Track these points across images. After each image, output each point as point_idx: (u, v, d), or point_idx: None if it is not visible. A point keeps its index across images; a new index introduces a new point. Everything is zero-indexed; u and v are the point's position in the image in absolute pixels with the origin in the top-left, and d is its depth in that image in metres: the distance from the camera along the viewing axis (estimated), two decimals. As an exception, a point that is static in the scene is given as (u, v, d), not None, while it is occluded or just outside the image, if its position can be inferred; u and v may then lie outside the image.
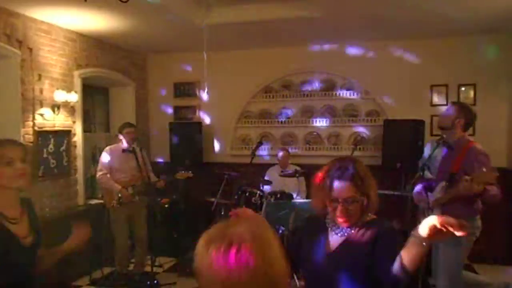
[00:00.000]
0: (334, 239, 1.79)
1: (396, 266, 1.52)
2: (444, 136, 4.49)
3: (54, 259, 2.04)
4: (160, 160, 6.60)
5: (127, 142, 4.68)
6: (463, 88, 5.60)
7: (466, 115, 3.26)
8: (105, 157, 4.68)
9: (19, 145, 1.90)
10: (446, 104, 5.62)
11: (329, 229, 1.82)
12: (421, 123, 5.45)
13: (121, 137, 4.73)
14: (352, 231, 1.76)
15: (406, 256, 1.49)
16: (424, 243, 1.43)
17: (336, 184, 1.69)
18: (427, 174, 4.65)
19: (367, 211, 1.74)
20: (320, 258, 1.78)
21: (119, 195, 4.55)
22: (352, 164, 1.72)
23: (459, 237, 2.96)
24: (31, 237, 1.87)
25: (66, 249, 2.04)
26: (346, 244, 1.75)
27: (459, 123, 3.24)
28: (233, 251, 0.95)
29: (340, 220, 1.74)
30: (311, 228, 1.91)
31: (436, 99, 5.71)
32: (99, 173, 4.66)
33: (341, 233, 1.78)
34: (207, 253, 0.97)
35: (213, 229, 1.03)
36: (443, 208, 3.11)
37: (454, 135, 3.28)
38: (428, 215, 3.25)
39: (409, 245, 1.48)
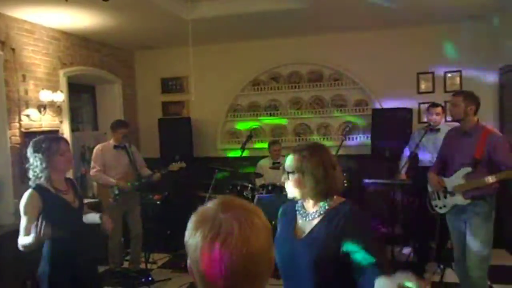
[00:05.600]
0: (301, 224, 1.83)
1: None
2: (431, 123, 4.57)
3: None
4: (150, 156, 6.56)
5: (118, 140, 4.66)
6: (449, 75, 5.66)
7: (474, 100, 3.33)
8: (97, 155, 4.65)
9: (66, 140, 2.75)
10: (433, 91, 5.69)
11: (297, 213, 1.86)
12: (409, 111, 5.49)
13: (112, 134, 4.70)
14: (318, 216, 1.77)
15: None
16: None
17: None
18: (422, 160, 4.72)
19: (305, 187, 1.77)
20: (288, 245, 1.81)
21: (116, 191, 4.52)
22: (305, 145, 1.85)
23: (490, 212, 3.29)
24: (77, 202, 2.70)
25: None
26: (313, 231, 1.76)
27: (471, 110, 3.32)
28: (217, 244, 0.94)
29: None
30: (283, 216, 1.97)
31: (423, 86, 5.75)
32: (92, 170, 4.63)
33: (308, 217, 1.80)
34: (195, 236, 0.98)
35: (207, 209, 1.03)
36: (464, 192, 3.34)
37: (469, 122, 3.36)
38: (444, 197, 3.48)
39: None
